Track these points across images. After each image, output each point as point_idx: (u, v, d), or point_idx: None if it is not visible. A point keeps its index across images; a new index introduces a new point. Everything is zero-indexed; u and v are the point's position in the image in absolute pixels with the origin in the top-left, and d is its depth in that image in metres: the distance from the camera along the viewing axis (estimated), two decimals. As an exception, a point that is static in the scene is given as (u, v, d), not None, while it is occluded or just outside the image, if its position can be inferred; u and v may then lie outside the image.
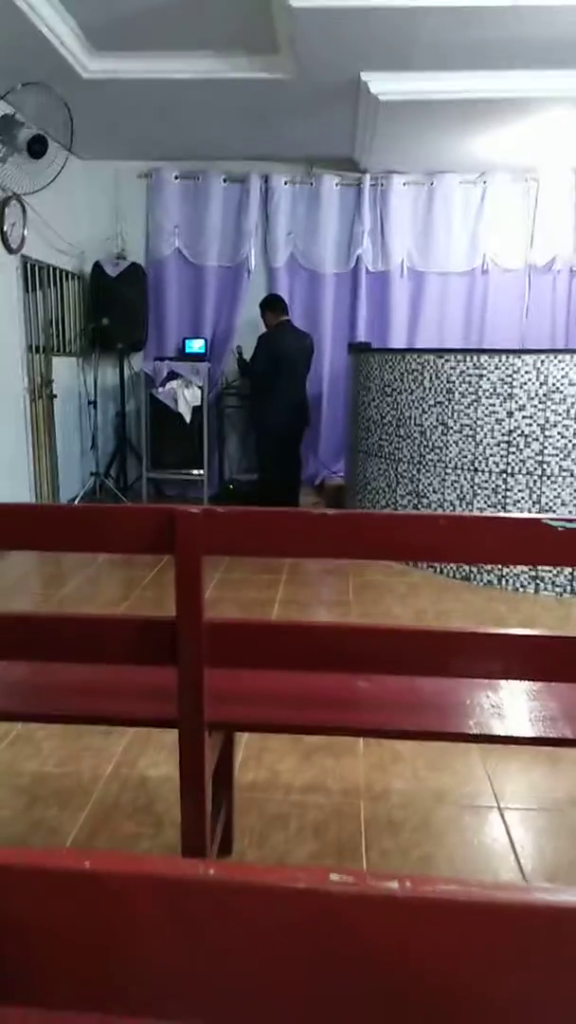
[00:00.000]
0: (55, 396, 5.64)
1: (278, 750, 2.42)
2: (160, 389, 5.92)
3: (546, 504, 3.99)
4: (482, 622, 3.64)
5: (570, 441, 3.91)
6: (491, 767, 2.35)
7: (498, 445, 4.06)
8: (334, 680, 1.77)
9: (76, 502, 5.87)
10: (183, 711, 1.53)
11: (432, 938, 0.49)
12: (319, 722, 1.68)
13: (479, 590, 4.12)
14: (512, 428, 4.01)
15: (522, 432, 3.99)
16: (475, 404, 4.10)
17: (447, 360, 4.20)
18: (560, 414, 3.91)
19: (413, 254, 6.19)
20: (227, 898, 0.53)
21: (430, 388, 4.29)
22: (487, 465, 4.11)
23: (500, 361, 4.01)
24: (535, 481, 3.99)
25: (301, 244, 6.25)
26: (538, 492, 4.00)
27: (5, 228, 4.75)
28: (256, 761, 2.37)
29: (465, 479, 4.20)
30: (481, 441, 4.11)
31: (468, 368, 4.11)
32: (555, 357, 3.91)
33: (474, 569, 4.21)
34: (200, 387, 5.93)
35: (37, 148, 4.51)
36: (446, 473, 4.27)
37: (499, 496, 4.09)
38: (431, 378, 4.27)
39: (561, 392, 3.89)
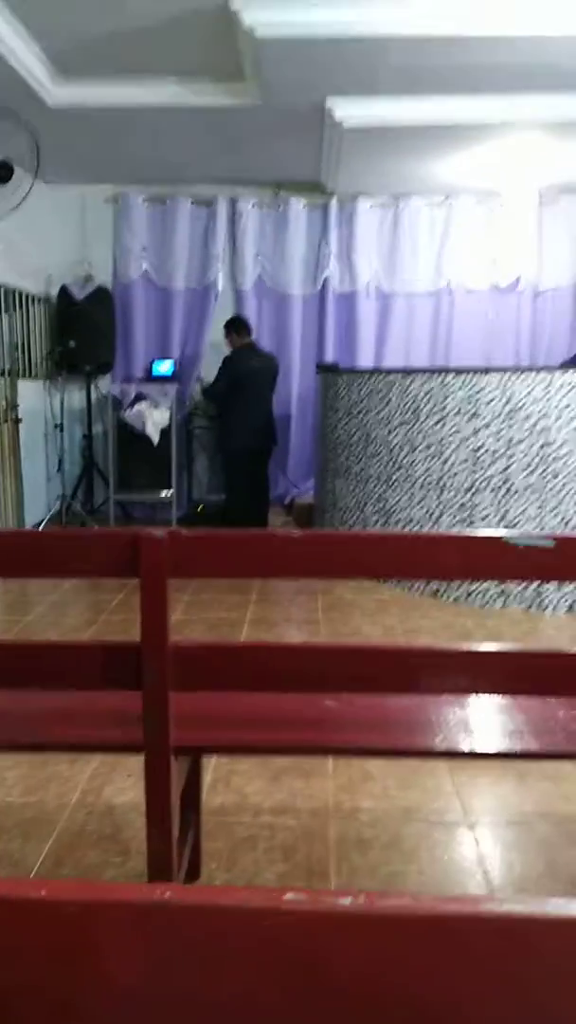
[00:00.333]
0: (20, 420, 5.59)
1: (246, 772, 2.40)
2: (128, 411, 5.91)
3: (512, 519, 4.04)
4: (450, 638, 3.66)
5: (534, 458, 3.97)
6: (460, 783, 2.35)
7: (464, 463, 4.11)
8: (301, 700, 1.76)
9: (42, 526, 5.81)
10: (148, 735, 1.52)
11: (386, 951, 0.49)
12: (287, 743, 1.68)
13: (447, 606, 4.15)
14: (478, 446, 4.07)
15: (488, 449, 4.05)
16: (441, 422, 4.15)
17: (413, 379, 4.26)
18: (524, 431, 3.97)
19: (380, 275, 6.27)
20: (185, 921, 0.52)
21: (397, 407, 4.33)
22: (454, 482, 4.16)
23: (465, 380, 4.07)
24: (501, 498, 4.05)
25: (268, 266, 6.31)
26: (504, 508, 4.05)
27: (-30, 251, 4.73)
28: (224, 784, 2.35)
29: (432, 496, 4.24)
30: (448, 459, 4.16)
31: (434, 387, 4.16)
32: (519, 376, 3.98)
33: (442, 585, 4.24)
34: (168, 408, 5.93)
35: (3, 173, 4.53)
36: (414, 491, 4.31)
37: (466, 513, 4.14)
38: (398, 397, 4.32)
39: (525, 410, 3.95)
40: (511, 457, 4.01)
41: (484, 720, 1.72)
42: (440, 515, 4.22)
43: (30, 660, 1.59)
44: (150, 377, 6.27)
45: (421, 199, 6.14)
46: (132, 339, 6.37)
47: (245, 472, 5.53)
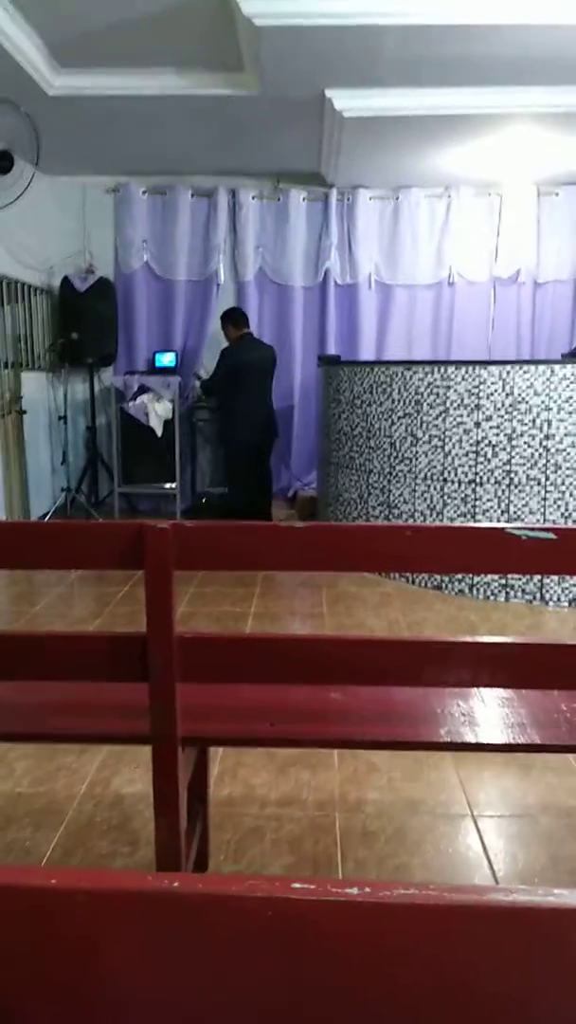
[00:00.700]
0: (24, 412, 5.60)
1: (253, 764, 2.42)
2: (131, 403, 5.91)
3: (515, 512, 4.04)
4: (454, 631, 3.67)
5: (536, 451, 3.97)
6: (464, 775, 2.36)
7: (466, 455, 4.11)
8: (307, 692, 1.77)
9: (47, 518, 5.83)
10: (155, 727, 1.53)
11: (393, 940, 0.50)
12: (293, 735, 1.69)
13: (451, 599, 4.16)
14: (480, 438, 4.07)
15: (489, 442, 4.05)
16: (443, 415, 4.15)
17: (415, 372, 4.25)
18: (526, 424, 3.97)
19: (380, 267, 6.26)
20: (192, 910, 0.53)
21: (399, 400, 4.33)
22: (456, 475, 4.16)
23: (467, 372, 4.07)
24: (503, 490, 4.05)
25: (269, 258, 6.30)
26: (506, 501, 4.05)
27: (-28, 244, 4.73)
28: (231, 775, 2.36)
29: (435, 489, 4.24)
30: (450, 452, 4.16)
31: (436, 380, 4.16)
32: (520, 368, 3.97)
33: (446, 579, 4.25)
34: (171, 400, 5.93)
35: (3, 164, 4.52)
36: (416, 484, 4.31)
37: (468, 506, 4.14)
38: (400, 390, 4.32)
39: (527, 402, 3.95)
40: (513, 450, 4.01)
41: (488, 713, 1.73)
42: (442, 508, 4.23)
43: (37, 651, 1.60)
44: (153, 369, 6.27)
45: (421, 191, 6.12)
46: (134, 331, 6.36)
47: (246, 465, 5.53)
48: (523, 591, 4.08)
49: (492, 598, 4.14)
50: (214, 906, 0.52)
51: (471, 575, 4.12)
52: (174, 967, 0.55)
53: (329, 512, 5.05)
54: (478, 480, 4.10)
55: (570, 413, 3.91)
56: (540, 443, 3.97)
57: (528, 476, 4.00)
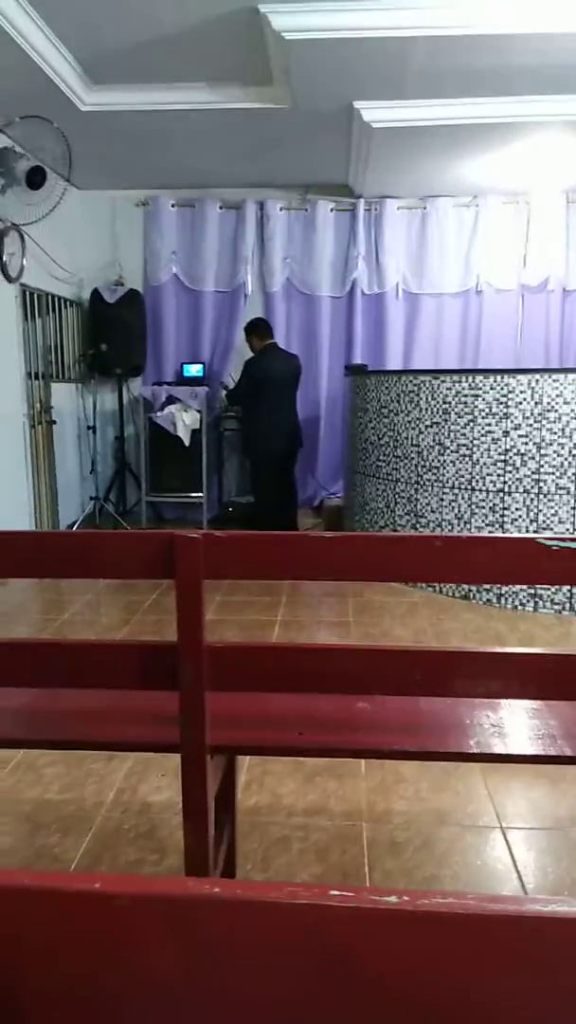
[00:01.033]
0: (54, 422, 5.68)
1: (280, 773, 2.42)
2: (159, 413, 5.96)
3: (544, 522, 4.01)
4: (482, 641, 3.64)
5: (565, 459, 3.94)
6: (493, 787, 2.35)
7: (495, 464, 4.09)
8: (334, 702, 1.77)
9: (76, 527, 5.89)
10: (185, 735, 1.54)
11: (431, 950, 0.51)
12: (320, 744, 1.69)
13: (478, 609, 4.13)
14: (508, 447, 4.04)
15: (518, 451, 4.02)
16: (471, 424, 4.14)
17: (443, 381, 4.24)
18: (555, 432, 3.94)
19: (408, 276, 6.26)
20: (231, 915, 0.54)
21: (426, 408, 4.32)
22: (484, 484, 4.14)
23: (495, 381, 4.05)
24: (532, 499, 4.02)
25: (297, 269, 6.33)
26: (535, 510, 4.02)
27: (4, 258, 4.81)
28: (258, 784, 2.36)
29: (463, 498, 4.22)
30: (478, 460, 4.14)
31: (464, 388, 4.15)
32: (549, 376, 3.95)
33: (473, 588, 4.22)
34: (198, 411, 5.97)
35: (36, 179, 4.59)
36: (444, 493, 4.30)
37: (497, 515, 4.12)
38: (427, 399, 4.31)
39: (556, 411, 3.92)
40: (542, 458, 3.98)
41: (517, 724, 1.72)
42: (470, 517, 4.21)
43: (67, 659, 1.62)
44: (181, 379, 6.32)
45: (449, 200, 6.12)
46: (163, 342, 6.43)
47: (272, 474, 5.54)
48: (552, 601, 4.04)
49: (520, 608, 4.10)
50: (254, 912, 0.53)
51: (499, 585, 4.09)
52: (212, 972, 0.56)
53: (355, 521, 5.05)
54: (506, 489, 4.07)
55: (600, 422, 3.88)
56: (570, 452, 3.93)
57: (557, 485, 3.97)
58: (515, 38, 3.57)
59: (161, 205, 6.26)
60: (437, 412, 4.27)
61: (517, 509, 4.06)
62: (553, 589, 4.01)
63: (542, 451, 3.97)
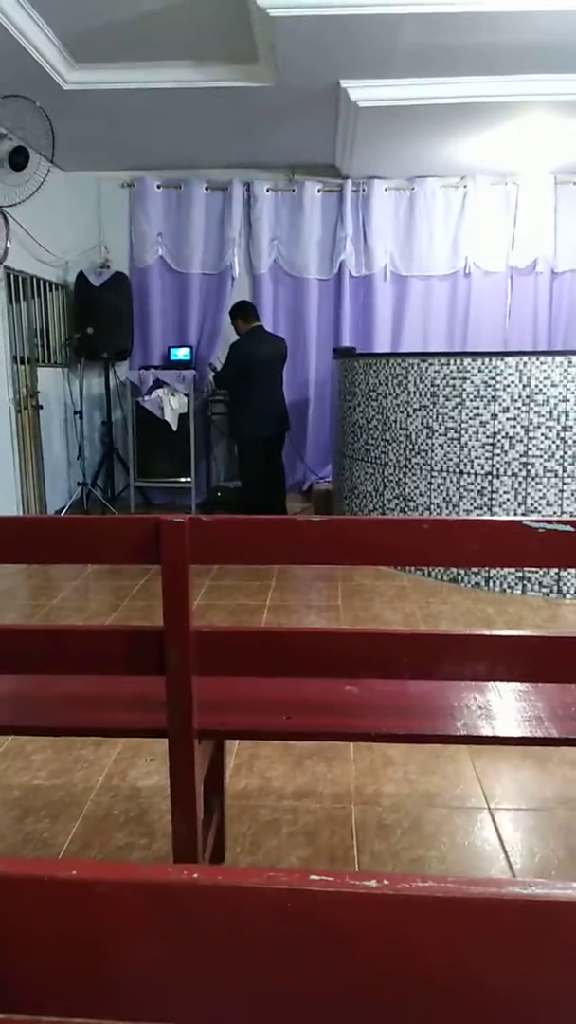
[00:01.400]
0: (41, 407, 5.63)
1: (269, 757, 2.43)
2: (146, 398, 5.93)
3: (531, 505, 4.02)
4: (470, 624, 3.66)
5: (553, 442, 3.95)
6: (481, 769, 2.36)
7: (483, 447, 4.09)
8: (323, 685, 1.78)
9: (63, 513, 5.86)
10: (172, 720, 1.54)
11: (412, 933, 0.50)
12: (309, 728, 1.69)
13: (467, 592, 4.14)
14: (496, 430, 4.04)
15: (506, 434, 4.02)
16: (459, 407, 4.13)
17: (431, 363, 4.23)
18: (543, 415, 3.94)
19: (395, 258, 6.23)
20: (212, 901, 0.54)
21: (415, 392, 4.31)
22: (472, 467, 4.14)
23: (483, 364, 4.04)
24: (520, 482, 4.03)
25: (284, 250, 6.29)
26: (523, 493, 4.03)
27: (-12, 240, 4.75)
28: (247, 768, 2.37)
29: (451, 482, 4.23)
30: (466, 444, 4.14)
31: (452, 371, 4.14)
32: (537, 359, 3.95)
33: (462, 571, 4.23)
34: (186, 395, 5.94)
35: (19, 160, 4.53)
36: (432, 476, 4.30)
37: (485, 498, 4.12)
38: (415, 382, 4.30)
39: (544, 393, 3.92)
40: (530, 441, 3.98)
41: (504, 706, 1.73)
42: (459, 500, 4.21)
43: (55, 645, 1.61)
44: (168, 363, 6.28)
45: (437, 181, 6.08)
46: (149, 325, 6.37)
47: (259, 458, 5.51)
48: (540, 584, 4.06)
49: (509, 591, 4.12)
50: (233, 897, 0.53)
51: (487, 568, 4.11)
52: (193, 958, 0.55)
53: (344, 505, 5.05)
54: (495, 472, 4.08)
55: (588, 405, 3.88)
56: (557, 435, 3.94)
57: (545, 468, 3.98)
58: (505, 16, 3.53)
59: (147, 186, 6.19)
60: (425, 395, 4.26)
61: (505, 492, 4.07)
62: (541, 572, 4.03)
63: (530, 434, 3.98)
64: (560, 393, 3.89)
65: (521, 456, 4.01)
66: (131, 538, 1.48)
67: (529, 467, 4.00)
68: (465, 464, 4.16)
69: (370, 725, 1.68)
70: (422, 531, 1.48)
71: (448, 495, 4.25)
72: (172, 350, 6.32)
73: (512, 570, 4.07)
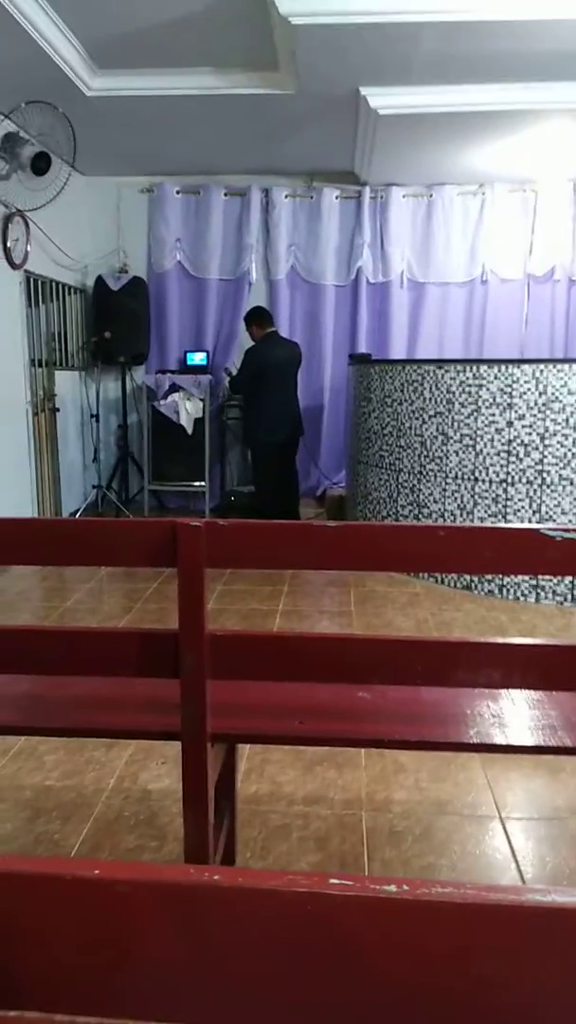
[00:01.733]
0: (57, 409, 5.67)
1: (280, 762, 2.43)
2: (162, 402, 5.95)
3: (546, 513, 4.00)
4: (483, 631, 3.64)
5: (569, 450, 3.93)
6: (492, 777, 2.35)
7: (498, 455, 4.08)
8: (335, 691, 1.78)
9: (78, 515, 5.90)
10: (185, 723, 1.54)
11: (430, 938, 0.51)
12: (320, 733, 1.69)
13: (480, 599, 4.13)
14: (512, 438, 4.03)
15: (522, 441, 4.01)
16: (475, 414, 4.12)
17: (447, 371, 4.23)
18: (559, 423, 3.93)
19: (413, 265, 6.23)
20: (231, 902, 0.54)
21: (430, 398, 4.31)
22: (487, 475, 4.13)
23: (499, 371, 4.04)
24: (535, 490, 4.01)
25: (302, 256, 6.30)
26: (538, 501, 4.01)
27: (9, 244, 4.79)
28: (258, 773, 2.37)
29: (466, 489, 4.22)
30: (481, 451, 4.13)
31: (468, 378, 4.13)
32: (554, 367, 3.93)
33: (475, 579, 4.22)
34: (202, 399, 5.96)
35: (40, 165, 4.57)
36: (447, 483, 4.29)
37: (499, 505, 4.11)
38: (431, 388, 4.30)
39: (560, 401, 3.91)
40: (545, 449, 3.97)
41: (517, 714, 1.72)
42: (473, 507, 4.20)
43: (69, 647, 1.62)
44: (184, 368, 6.31)
45: (455, 188, 6.08)
46: (166, 329, 6.41)
47: (273, 463, 5.52)
48: (554, 592, 4.04)
49: (522, 599, 4.10)
50: (252, 900, 0.53)
51: (501, 575, 4.09)
52: (210, 959, 0.56)
53: (358, 511, 5.05)
54: (509, 480, 4.06)
55: (604, 414, 3.86)
56: (574, 443, 3.92)
57: (561, 476, 3.96)
58: (524, 24, 3.53)
59: (166, 191, 6.23)
60: (441, 402, 4.26)
61: (520, 500, 4.05)
62: (555, 580, 4.01)
63: (545, 441, 3.96)
64: (576, 402, 3.88)
65: (536, 464, 3.99)
66: (148, 541, 1.49)
67: (544, 475, 3.98)
68: (480, 471, 4.15)
69: (382, 731, 1.68)
70: (437, 538, 1.48)
71: (462, 502, 4.24)
72: (188, 355, 6.34)
73: (526, 578, 4.06)
